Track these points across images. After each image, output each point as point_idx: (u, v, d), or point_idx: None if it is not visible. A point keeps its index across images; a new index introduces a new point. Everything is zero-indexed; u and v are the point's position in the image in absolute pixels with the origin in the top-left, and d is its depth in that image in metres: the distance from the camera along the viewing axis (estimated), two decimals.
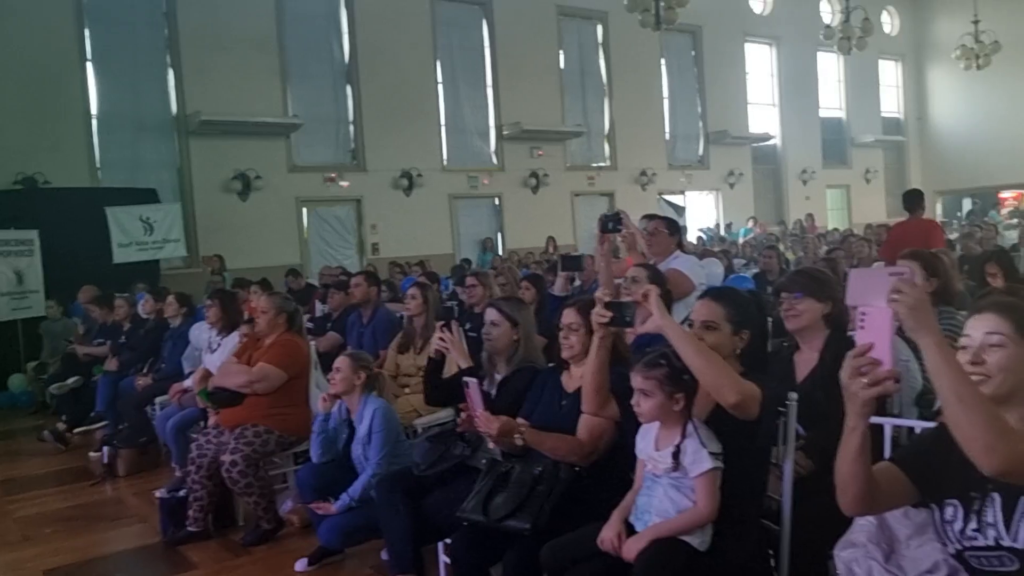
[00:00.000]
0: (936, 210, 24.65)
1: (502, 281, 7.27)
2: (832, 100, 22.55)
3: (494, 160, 16.21)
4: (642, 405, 2.39)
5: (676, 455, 2.34)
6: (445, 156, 15.50)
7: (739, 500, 2.40)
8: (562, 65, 17.00)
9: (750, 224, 18.52)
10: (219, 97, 12.76)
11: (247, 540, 4.44)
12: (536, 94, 16.25)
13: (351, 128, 14.53)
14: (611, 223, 4.36)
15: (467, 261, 13.21)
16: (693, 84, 19.34)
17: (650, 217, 4.66)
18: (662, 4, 12.94)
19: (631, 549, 2.31)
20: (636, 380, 2.39)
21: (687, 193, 19.34)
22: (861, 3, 20.77)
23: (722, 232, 17.85)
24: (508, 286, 6.81)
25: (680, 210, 19.34)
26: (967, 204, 24.37)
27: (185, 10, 12.74)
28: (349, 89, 14.47)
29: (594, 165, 17.62)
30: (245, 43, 13.11)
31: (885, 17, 23.44)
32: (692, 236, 17.57)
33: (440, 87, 15.49)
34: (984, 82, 21.18)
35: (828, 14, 21.21)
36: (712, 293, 2.70)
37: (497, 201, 16.22)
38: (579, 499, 2.77)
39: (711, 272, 6.73)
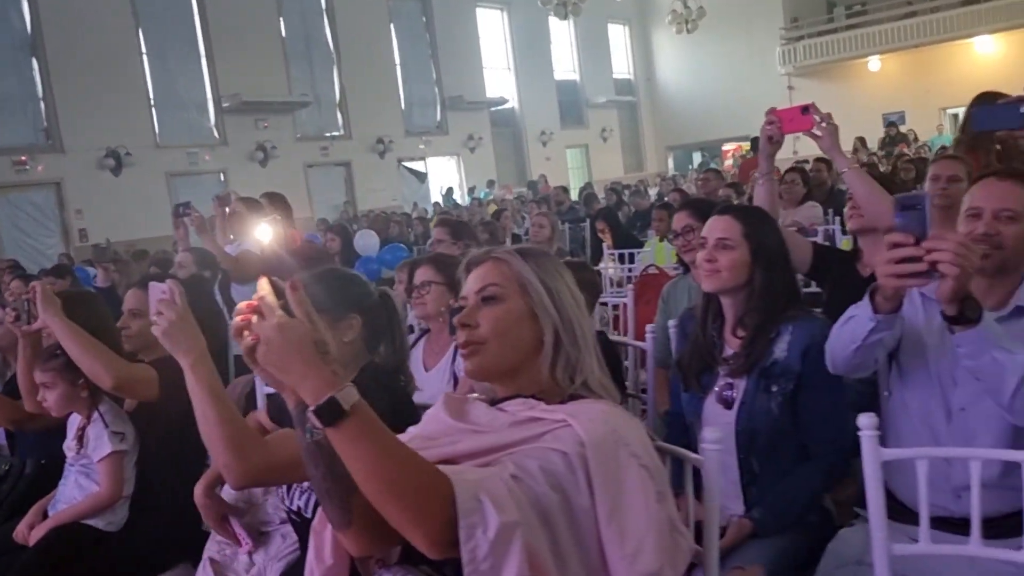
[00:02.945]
0: (668, 164, 26.76)
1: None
2: (566, 63, 23.65)
3: (215, 134, 15.53)
4: (48, 398, 2.41)
5: (80, 439, 2.39)
6: (157, 132, 14.64)
7: (162, 477, 2.50)
8: (284, 33, 16.50)
9: (489, 188, 19.11)
10: None
11: None
12: (257, 64, 15.67)
13: (42, 105, 13.31)
14: (181, 208, 4.34)
15: None
16: (426, 51, 19.51)
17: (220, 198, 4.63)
18: None
19: (33, 538, 2.35)
20: (36, 375, 2.41)
21: (428, 159, 19.61)
22: None
23: (458, 196, 18.28)
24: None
25: (422, 176, 19.64)
26: (697, 157, 26.62)
27: None
28: (35, 62, 13.22)
29: (327, 135, 17.38)
30: None
31: None
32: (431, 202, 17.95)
33: (145, 58, 14.54)
34: (699, 44, 23.11)
35: None
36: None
37: (223, 177, 15.59)
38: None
39: (365, 244, 6.90)
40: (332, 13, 17.30)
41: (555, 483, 1.16)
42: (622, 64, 25.73)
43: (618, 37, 25.50)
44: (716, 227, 2.04)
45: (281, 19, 16.49)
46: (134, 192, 13.96)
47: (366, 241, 6.80)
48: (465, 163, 20.19)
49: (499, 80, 21.31)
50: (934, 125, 19.99)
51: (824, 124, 2.55)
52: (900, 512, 1.84)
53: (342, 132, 17.65)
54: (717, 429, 1.40)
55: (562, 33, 23.10)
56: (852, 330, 1.69)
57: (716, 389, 2.09)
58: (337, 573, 1.33)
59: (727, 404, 2.07)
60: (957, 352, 1.61)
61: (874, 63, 22.04)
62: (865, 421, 1.43)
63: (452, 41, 19.74)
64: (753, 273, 2.01)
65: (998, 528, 1.62)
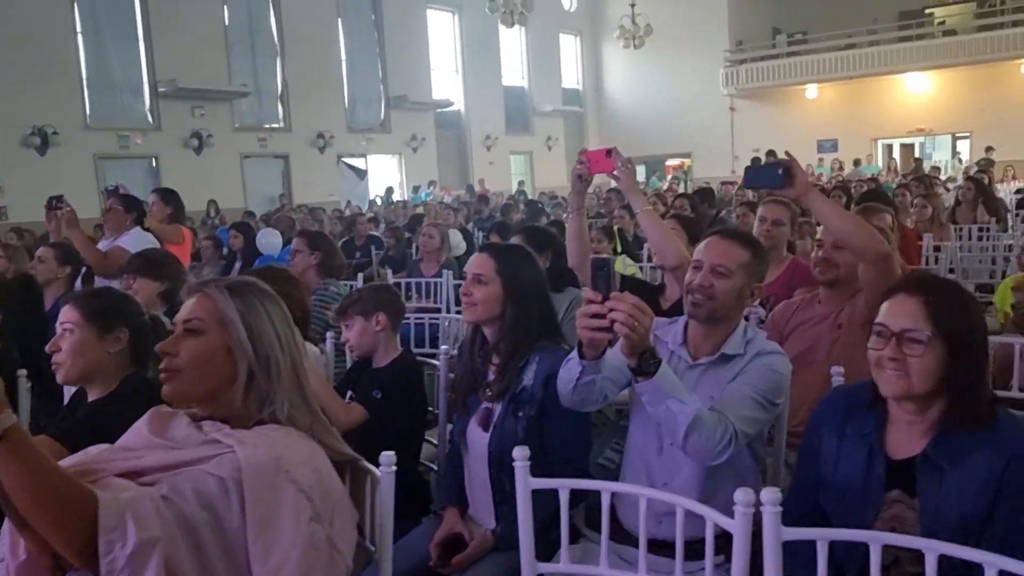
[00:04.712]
0: None
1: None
2: (515, 70, 23.83)
3: (149, 119, 15.35)
4: None
5: None
6: (88, 112, 14.42)
7: None
8: (227, 21, 16.38)
9: (430, 188, 19.19)
10: None
11: None
12: (197, 50, 15.50)
13: None
14: (54, 200, 4.39)
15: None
16: (373, 48, 19.50)
17: (109, 192, 4.71)
18: None
19: None
20: None
21: (369, 157, 19.62)
22: None
23: (397, 195, 18.33)
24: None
25: (361, 173, 19.65)
26: (641, 171, 27.06)
27: None
28: None
29: (266, 126, 17.28)
30: None
31: None
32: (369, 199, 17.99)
33: (80, 36, 14.31)
34: (647, 61, 23.54)
35: None
36: None
37: (154, 162, 15.41)
38: None
39: (267, 242, 6.96)
40: (278, 4, 17.19)
41: (206, 503, 1.31)
42: (571, 74, 26.02)
43: (569, 48, 25.78)
44: (472, 263, 2.22)
45: (225, 6, 16.34)
46: (60, 173, 13.66)
47: (268, 240, 6.86)
48: (407, 163, 20.24)
49: (446, 82, 21.40)
50: (865, 154, 20.71)
51: (623, 167, 2.75)
52: (619, 534, 2.04)
53: (282, 124, 17.55)
54: (393, 455, 1.56)
55: (513, 40, 23.26)
56: (568, 371, 1.86)
57: (478, 412, 2.27)
58: (31, 568, 1.47)
59: (485, 426, 2.25)
60: (640, 399, 1.80)
61: (812, 90, 22.70)
62: (519, 453, 1.61)
63: (400, 40, 19.76)
64: (506, 306, 2.19)
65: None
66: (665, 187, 17.06)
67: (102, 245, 4.38)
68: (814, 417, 1.75)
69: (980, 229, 6.48)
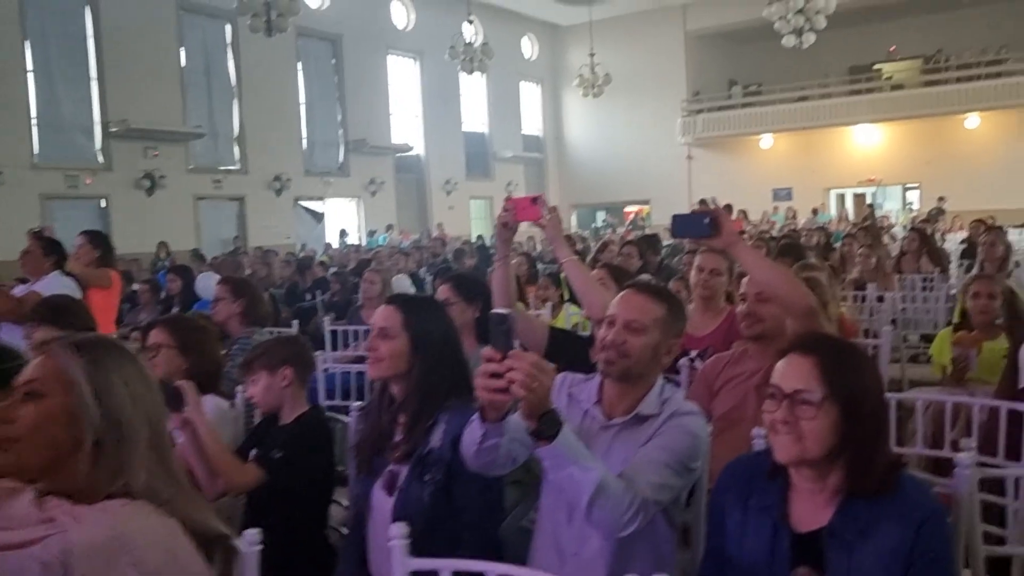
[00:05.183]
0: (571, 221, 27.29)
1: None
2: (476, 116, 23.98)
3: (100, 159, 15.07)
4: None
5: None
6: (36, 151, 14.11)
7: None
8: (183, 62, 16.25)
9: (388, 232, 19.08)
10: None
11: None
12: (150, 91, 15.31)
13: None
14: None
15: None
16: (333, 92, 19.49)
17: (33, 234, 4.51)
18: (273, 12, 12.87)
19: None
20: None
21: (327, 200, 19.48)
22: (503, 28, 22.45)
23: (354, 239, 18.18)
24: None
25: (319, 216, 19.48)
26: (600, 216, 27.27)
27: None
28: None
29: (222, 168, 17.07)
30: None
31: (526, 43, 25.45)
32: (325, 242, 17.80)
33: (31, 75, 14.07)
34: (606, 109, 23.87)
35: (472, 35, 22.45)
36: None
37: (104, 203, 15.09)
38: None
39: (206, 286, 6.75)
40: (237, 46, 17.11)
41: None
42: (533, 121, 26.26)
43: (530, 95, 26.05)
44: (378, 316, 2.10)
45: (182, 49, 16.22)
46: (4, 213, 13.31)
47: (206, 284, 6.64)
48: (365, 206, 20.12)
49: (406, 127, 21.42)
50: (819, 203, 21.09)
51: (548, 216, 2.66)
52: None
53: (238, 166, 17.36)
54: (256, 532, 1.42)
55: (474, 86, 23.43)
56: (471, 433, 1.72)
57: (383, 475, 2.12)
58: None
59: (390, 490, 2.10)
60: (543, 465, 1.67)
61: (766, 140, 23.16)
62: (395, 531, 1.47)
63: (360, 85, 19.78)
64: (413, 362, 2.06)
65: None
66: (620, 233, 17.11)
67: (19, 290, 4.17)
68: (717, 489, 1.64)
69: (924, 279, 6.52)
